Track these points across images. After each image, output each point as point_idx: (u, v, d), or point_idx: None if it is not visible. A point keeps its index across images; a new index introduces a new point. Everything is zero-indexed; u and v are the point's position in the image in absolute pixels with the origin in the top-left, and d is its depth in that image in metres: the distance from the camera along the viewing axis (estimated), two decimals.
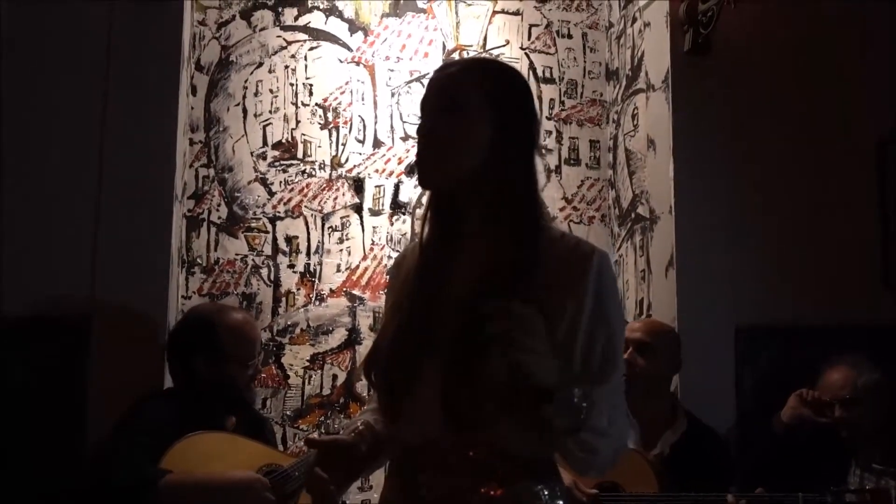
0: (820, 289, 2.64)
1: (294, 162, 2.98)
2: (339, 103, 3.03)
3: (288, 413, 2.82)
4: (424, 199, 1.30)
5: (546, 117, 3.17)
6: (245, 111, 2.98)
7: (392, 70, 3.09)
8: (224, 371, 2.03)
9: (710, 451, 2.18)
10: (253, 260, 2.90)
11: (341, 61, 3.06)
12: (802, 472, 2.15)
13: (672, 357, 2.28)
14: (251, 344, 2.09)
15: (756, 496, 1.95)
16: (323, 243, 2.94)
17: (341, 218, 2.97)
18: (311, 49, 3.05)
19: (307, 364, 2.86)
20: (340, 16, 3.07)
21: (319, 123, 3.02)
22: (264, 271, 2.90)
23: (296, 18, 3.05)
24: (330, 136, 3.02)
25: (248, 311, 2.75)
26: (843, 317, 2.61)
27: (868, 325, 2.59)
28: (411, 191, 2.99)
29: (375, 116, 3.05)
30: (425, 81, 3.01)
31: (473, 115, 1.20)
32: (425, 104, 1.25)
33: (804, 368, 2.36)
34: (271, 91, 3.00)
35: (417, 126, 1.25)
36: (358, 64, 3.07)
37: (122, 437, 1.87)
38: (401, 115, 3.06)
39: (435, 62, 3.09)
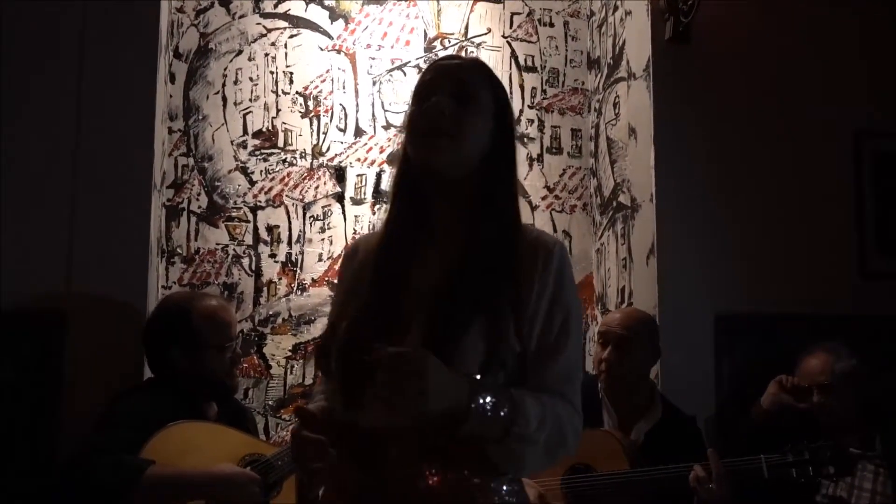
0: (798, 277, 2.67)
1: (275, 151, 2.96)
2: (320, 91, 3.01)
3: (270, 403, 2.81)
4: (389, 183, 1.33)
5: (528, 106, 3.16)
6: (225, 99, 2.94)
7: (373, 58, 3.07)
8: (201, 358, 2.00)
9: (682, 439, 2.19)
10: (234, 250, 2.88)
11: (322, 49, 3.04)
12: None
13: (650, 348, 2.29)
14: (226, 327, 2.05)
15: (721, 462, 1.96)
16: (304, 233, 2.92)
17: (323, 207, 2.95)
18: (292, 37, 3.02)
19: (289, 354, 2.85)
20: (321, 3, 3.04)
21: (300, 112, 2.99)
22: (245, 261, 2.88)
23: (275, 6, 3.02)
24: (311, 124, 3.00)
25: (223, 297, 2.73)
26: (821, 305, 2.64)
27: (845, 314, 2.63)
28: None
29: (357, 105, 3.03)
30: (407, 70, 3.06)
31: (484, 109, 1.24)
32: (434, 88, 1.23)
33: (783, 356, 2.39)
34: (251, 79, 2.97)
35: (421, 108, 1.23)
36: (339, 52, 3.05)
37: (102, 430, 1.84)
38: (382, 103, 3.05)
39: (416, 50, 3.08)
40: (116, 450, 1.77)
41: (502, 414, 1.10)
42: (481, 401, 1.09)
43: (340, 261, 1.37)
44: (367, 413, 1.13)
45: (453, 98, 1.21)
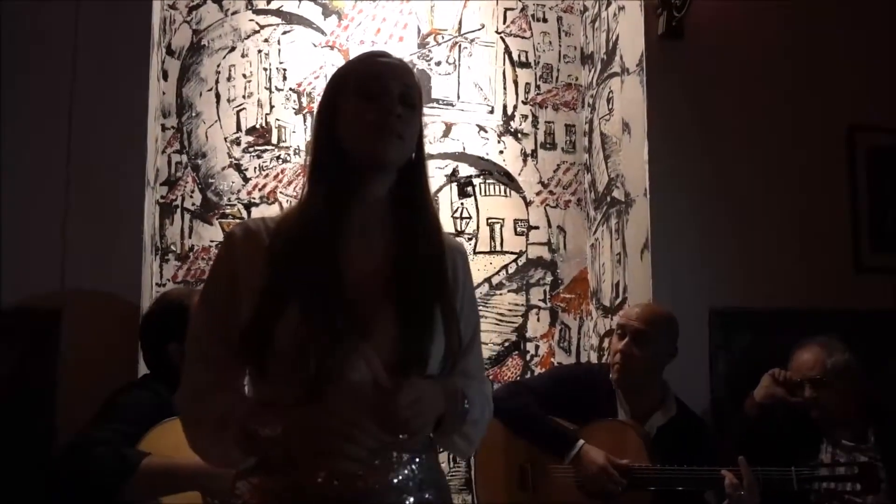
0: (792, 272, 2.68)
1: (268, 147, 2.95)
2: (314, 88, 3.00)
3: None
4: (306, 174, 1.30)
5: (522, 101, 3.16)
6: (218, 96, 2.94)
7: None
8: None
9: (695, 437, 2.21)
10: None
11: (315, 45, 3.03)
12: (775, 449, 2.19)
13: (667, 346, 2.28)
14: None
15: (752, 471, 2.00)
16: None
17: None
18: (285, 33, 3.02)
19: None
20: None
21: (293, 108, 2.99)
22: None
23: (268, 2, 3.01)
24: (304, 121, 2.99)
25: None
26: (815, 300, 2.65)
27: (839, 308, 2.64)
28: None
29: None
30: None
31: (419, 113, 1.33)
32: (384, 88, 1.27)
33: (777, 350, 2.39)
34: (244, 76, 2.97)
35: (373, 105, 1.25)
36: (332, 48, 3.05)
37: (99, 423, 1.85)
38: None
39: (410, 47, 3.08)
40: (112, 443, 1.77)
41: (465, 407, 1.27)
42: (452, 402, 1.25)
43: (229, 244, 1.27)
44: (334, 407, 1.15)
45: (400, 101, 1.27)
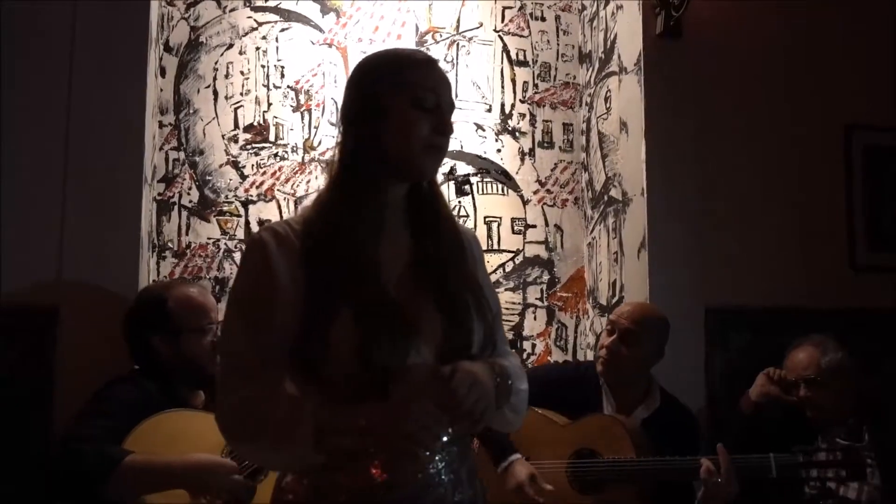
0: (788, 271, 2.69)
1: (266, 145, 2.95)
2: (311, 86, 3.00)
3: None
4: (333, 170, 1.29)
5: (520, 100, 3.17)
6: (216, 93, 2.94)
7: (365, 52, 3.04)
8: (180, 344, 1.99)
9: (679, 428, 2.21)
10: (225, 244, 2.88)
11: (313, 43, 3.03)
12: (770, 448, 2.20)
13: (654, 347, 2.28)
14: (203, 310, 2.03)
15: (730, 458, 1.99)
16: None
17: None
18: (283, 30, 3.01)
19: None
20: None
21: (291, 106, 2.99)
22: (237, 255, 2.88)
23: None
24: (302, 118, 2.99)
25: (201, 284, 2.70)
26: (811, 299, 2.66)
27: (835, 307, 2.64)
28: None
29: None
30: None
31: None
32: (439, 100, 1.27)
33: (773, 349, 2.40)
34: (242, 73, 2.97)
35: (432, 121, 1.25)
36: (330, 46, 3.05)
37: (83, 420, 1.83)
38: None
39: (408, 44, 3.07)
40: (96, 439, 1.76)
41: (510, 384, 1.28)
42: (499, 380, 1.25)
43: (262, 250, 1.23)
44: (417, 420, 1.17)
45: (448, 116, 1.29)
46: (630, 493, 2.07)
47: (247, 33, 2.98)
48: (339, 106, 1.31)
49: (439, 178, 2.99)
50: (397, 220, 1.30)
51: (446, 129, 1.26)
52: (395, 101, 1.25)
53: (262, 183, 2.93)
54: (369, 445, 1.17)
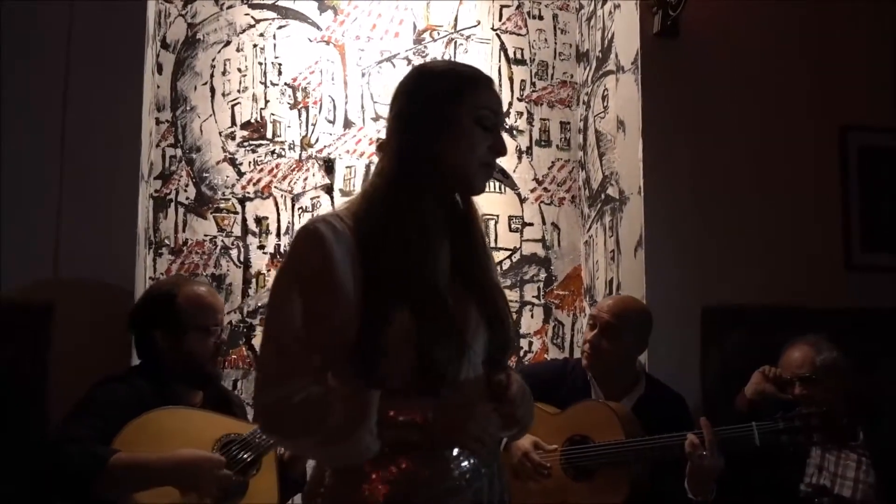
0: (784, 270, 2.70)
1: (263, 142, 2.95)
2: (309, 83, 3.00)
3: None
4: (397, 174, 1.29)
5: (517, 98, 3.17)
6: (213, 90, 2.93)
7: (362, 50, 3.06)
8: (182, 341, 1.97)
9: (667, 409, 2.23)
10: (222, 241, 2.87)
11: (311, 40, 3.03)
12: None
13: (636, 340, 2.30)
14: (210, 311, 2.02)
15: (714, 431, 1.99)
16: (293, 224, 2.92)
17: (311, 199, 2.95)
18: (280, 28, 3.01)
19: None
20: None
21: (289, 103, 2.99)
22: (234, 252, 2.88)
23: None
24: (299, 116, 2.99)
25: (211, 286, 2.71)
26: (807, 298, 2.67)
27: (830, 307, 2.65)
28: None
29: (346, 96, 3.03)
30: (396, 62, 3.05)
31: None
32: (496, 121, 1.32)
33: (768, 348, 2.41)
34: (239, 70, 2.96)
35: (492, 136, 1.30)
36: (328, 43, 3.04)
37: (72, 419, 1.82)
38: (371, 95, 3.04)
39: (406, 42, 3.08)
40: (84, 438, 1.75)
41: (530, 394, 1.37)
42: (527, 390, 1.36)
43: (320, 244, 1.21)
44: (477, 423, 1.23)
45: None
46: (622, 478, 2.07)
47: (244, 30, 2.98)
48: (396, 109, 1.32)
49: None
50: (438, 229, 1.31)
51: (503, 150, 1.31)
52: (461, 116, 1.28)
53: (259, 180, 2.93)
54: (430, 441, 1.21)
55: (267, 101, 2.97)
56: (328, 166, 2.97)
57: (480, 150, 1.28)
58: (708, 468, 1.97)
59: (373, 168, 3.21)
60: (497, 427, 1.25)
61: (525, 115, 3.16)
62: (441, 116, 1.27)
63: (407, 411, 1.20)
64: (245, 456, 1.85)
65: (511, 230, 3.10)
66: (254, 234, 2.89)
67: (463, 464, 1.24)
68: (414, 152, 1.27)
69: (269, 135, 2.95)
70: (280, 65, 2.99)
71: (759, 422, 2.01)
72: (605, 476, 2.08)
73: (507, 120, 3.13)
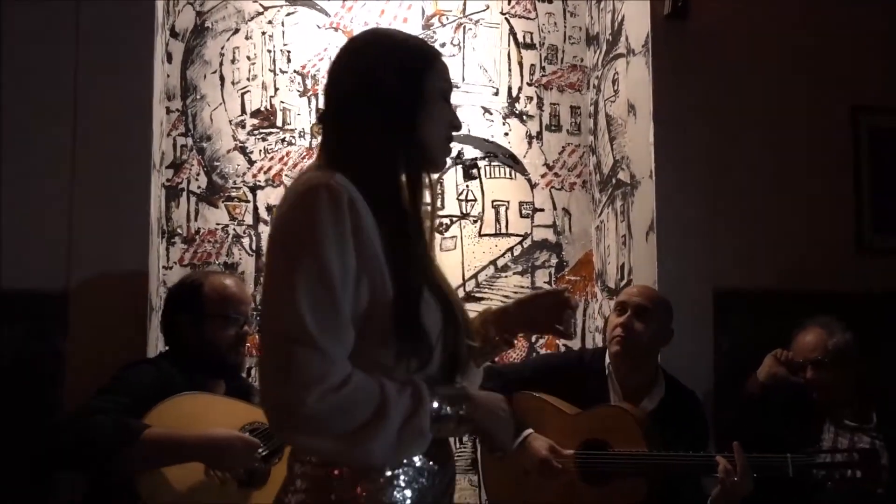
0: (796, 253, 2.69)
1: (273, 130, 2.95)
2: (318, 70, 3.00)
3: None
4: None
5: (527, 83, 3.16)
6: (222, 79, 2.93)
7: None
8: (206, 328, 1.99)
9: (685, 418, 2.20)
10: (234, 229, 2.89)
11: (319, 27, 3.02)
12: (778, 429, 2.21)
13: (665, 327, 2.27)
14: (231, 300, 2.03)
15: (746, 457, 1.98)
16: None
17: None
18: (289, 15, 3.00)
19: None
20: None
21: (298, 91, 2.98)
22: (246, 240, 2.89)
23: None
24: (309, 103, 2.99)
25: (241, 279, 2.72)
26: (819, 281, 2.66)
27: (842, 290, 2.65)
28: None
29: None
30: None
31: None
32: (451, 92, 1.27)
33: (780, 331, 2.40)
34: (248, 58, 2.96)
35: (453, 109, 1.26)
36: (336, 30, 3.03)
37: (98, 397, 1.84)
38: None
39: (414, 28, 3.06)
40: (111, 411, 1.77)
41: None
42: None
43: (342, 205, 1.07)
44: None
45: None
46: (638, 485, 2.06)
47: (252, 18, 2.97)
48: (364, 79, 1.19)
49: (447, 161, 3.02)
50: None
51: (460, 124, 1.27)
52: (432, 89, 1.21)
53: (269, 168, 2.94)
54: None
55: (276, 89, 2.96)
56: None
57: (448, 125, 1.24)
58: (739, 493, 1.97)
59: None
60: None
61: (535, 100, 3.15)
62: (417, 89, 1.19)
63: (449, 400, 1.13)
64: (269, 445, 1.87)
65: (522, 216, 3.10)
66: (265, 222, 2.90)
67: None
68: (399, 131, 1.17)
69: (279, 123, 2.96)
70: (289, 52, 2.99)
71: (793, 454, 2.00)
72: (621, 482, 2.07)
73: (517, 105, 3.12)
